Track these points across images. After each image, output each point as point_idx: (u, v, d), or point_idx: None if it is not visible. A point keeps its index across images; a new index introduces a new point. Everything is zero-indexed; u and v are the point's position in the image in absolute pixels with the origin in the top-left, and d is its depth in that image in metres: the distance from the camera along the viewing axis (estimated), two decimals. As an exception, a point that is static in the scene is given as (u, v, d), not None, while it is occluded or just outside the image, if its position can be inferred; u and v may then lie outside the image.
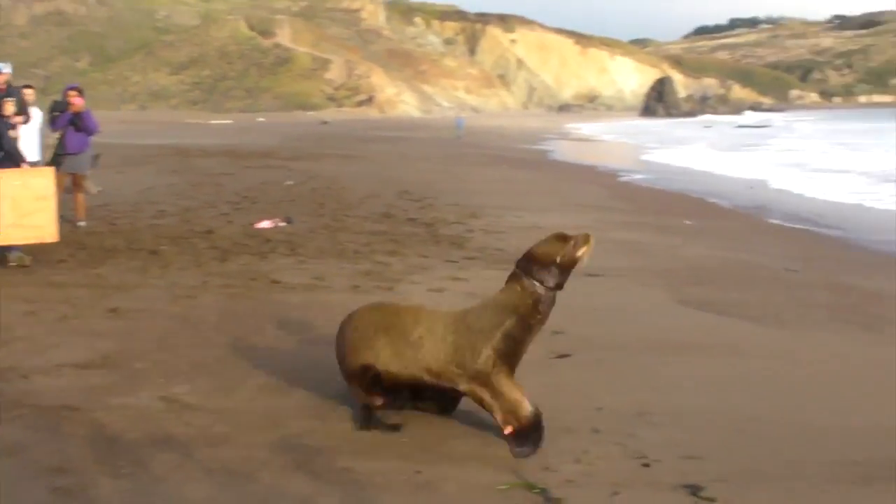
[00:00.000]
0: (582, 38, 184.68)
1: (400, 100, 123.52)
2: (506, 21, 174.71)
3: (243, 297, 10.35)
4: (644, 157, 43.50)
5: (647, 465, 5.83)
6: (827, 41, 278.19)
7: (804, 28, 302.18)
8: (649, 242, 15.79)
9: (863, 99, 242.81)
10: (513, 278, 6.15)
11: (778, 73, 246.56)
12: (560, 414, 6.57)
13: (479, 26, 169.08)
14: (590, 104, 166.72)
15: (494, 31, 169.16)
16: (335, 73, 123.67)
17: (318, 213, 17.74)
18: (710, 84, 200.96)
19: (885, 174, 33.91)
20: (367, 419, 6.34)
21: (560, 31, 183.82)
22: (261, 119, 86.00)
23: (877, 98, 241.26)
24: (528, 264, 6.09)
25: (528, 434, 5.95)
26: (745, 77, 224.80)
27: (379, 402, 6.34)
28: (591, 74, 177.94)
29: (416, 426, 6.38)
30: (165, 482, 5.40)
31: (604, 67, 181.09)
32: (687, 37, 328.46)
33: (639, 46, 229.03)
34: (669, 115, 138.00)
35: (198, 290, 10.63)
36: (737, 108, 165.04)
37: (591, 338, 8.90)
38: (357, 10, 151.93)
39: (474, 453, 5.95)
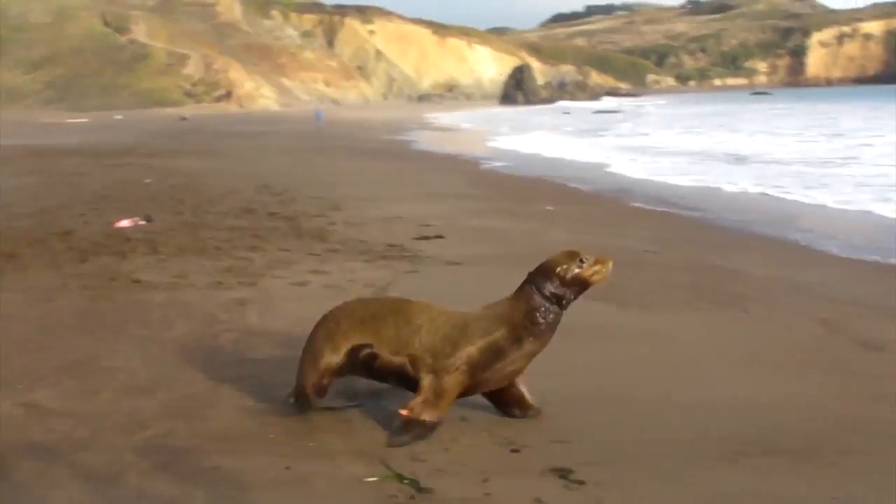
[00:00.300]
0: (440, 28, 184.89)
1: (259, 94, 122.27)
2: (364, 13, 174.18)
3: (104, 298, 10.14)
4: (501, 145, 43.77)
5: (516, 451, 5.86)
6: (681, 26, 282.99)
7: (659, 14, 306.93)
8: (510, 229, 15.90)
9: (717, 82, 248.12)
10: (522, 287, 6.13)
11: (634, 58, 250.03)
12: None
13: (336, 18, 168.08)
14: (449, 93, 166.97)
15: (353, 23, 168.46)
16: (193, 69, 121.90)
17: (177, 211, 17.49)
18: (568, 71, 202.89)
19: (735, 156, 34.79)
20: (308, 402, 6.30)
21: (418, 21, 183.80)
22: (118, 117, 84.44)
23: (730, 81, 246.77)
24: (535, 273, 6.09)
25: (415, 430, 5.92)
26: (603, 63, 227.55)
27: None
28: (449, 64, 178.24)
29: (284, 421, 6.33)
30: (29, 490, 5.27)
31: (463, 57, 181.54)
32: (544, 24, 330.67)
33: (497, 35, 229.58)
34: (528, 102, 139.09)
35: (57, 293, 10.38)
36: (595, 94, 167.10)
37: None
38: (213, 5, 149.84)
39: (343, 447, 5.91)
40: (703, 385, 7.39)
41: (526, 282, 6.10)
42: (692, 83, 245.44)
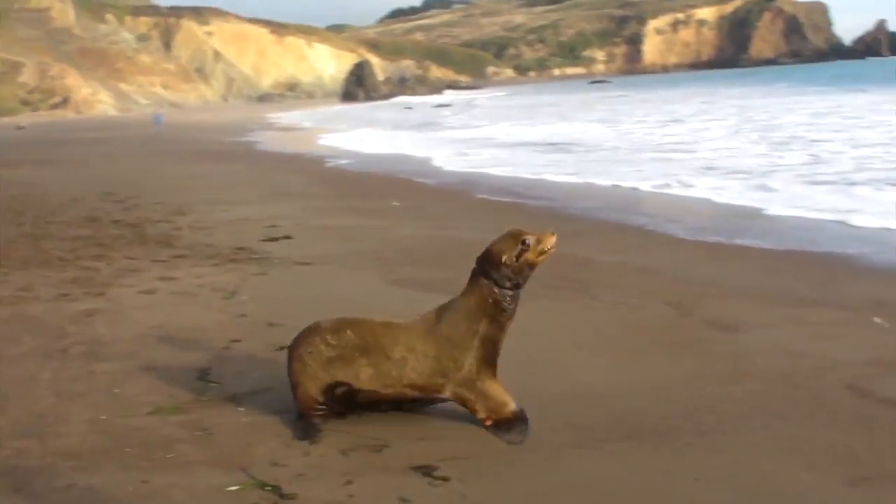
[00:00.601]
0: (279, 27, 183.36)
1: (97, 100, 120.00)
2: (200, 14, 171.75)
3: (-59, 317, 9.84)
4: (343, 143, 43.54)
5: (378, 451, 5.82)
6: (519, 18, 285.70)
7: (496, 6, 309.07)
8: (358, 226, 15.84)
9: (556, 72, 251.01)
10: (473, 278, 6.16)
11: (473, 51, 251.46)
12: (280, 406, 6.53)
13: (173, 20, 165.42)
14: (290, 92, 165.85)
15: (189, 25, 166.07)
16: (28, 76, 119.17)
17: (18, 222, 17.04)
18: (408, 65, 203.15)
19: (568, 144, 35.29)
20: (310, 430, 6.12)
21: (256, 20, 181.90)
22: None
23: (569, 70, 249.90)
24: (483, 264, 6.11)
25: (512, 425, 5.99)
26: (442, 57, 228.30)
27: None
28: (289, 63, 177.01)
29: (139, 433, 6.20)
30: None
31: (302, 55, 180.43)
32: (382, 20, 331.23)
33: (336, 32, 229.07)
34: (370, 98, 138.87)
35: None
36: (436, 88, 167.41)
37: (309, 327, 8.84)
38: (46, 10, 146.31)
39: (202, 457, 5.80)
40: (560, 374, 7.43)
41: (479, 274, 6.13)
42: (532, 74, 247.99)
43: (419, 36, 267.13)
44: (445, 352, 6.03)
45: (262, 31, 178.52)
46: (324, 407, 6.19)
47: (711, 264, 12.22)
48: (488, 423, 6.04)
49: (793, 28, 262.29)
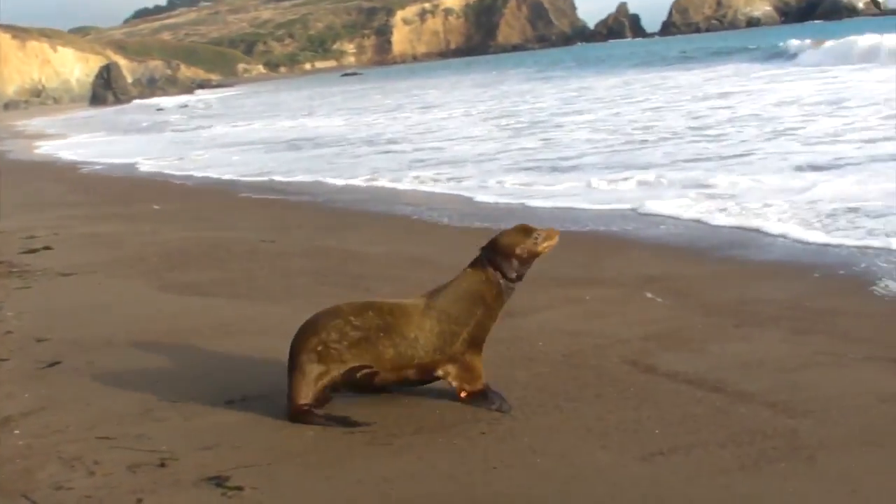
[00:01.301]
0: (20, 32, 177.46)
1: None
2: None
3: None
4: (92, 148, 42.48)
5: (164, 465, 5.57)
6: (267, 13, 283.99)
7: (244, 2, 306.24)
8: (120, 232, 15.37)
9: (308, 66, 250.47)
10: (477, 264, 6.41)
11: (222, 48, 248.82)
12: (58, 426, 6.25)
13: None
14: (36, 98, 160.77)
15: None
16: None
17: None
18: (157, 66, 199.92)
19: (307, 140, 35.24)
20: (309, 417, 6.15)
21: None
22: None
23: (320, 64, 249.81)
24: (492, 253, 6.37)
25: (486, 396, 6.27)
26: (191, 55, 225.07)
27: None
28: (33, 68, 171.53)
29: None
30: None
31: (46, 59, 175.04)
32: (128, 21, 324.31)
33: (80, 35, 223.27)
34: (119, 101, 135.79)
35: None
36: (187, 88, 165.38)
37: (79, 341, 8.41)
38: None
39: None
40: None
41: (487, 261, 6.39)
42: (283, 69, 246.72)
43: (167, 35, 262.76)
44: (445, 328, 6.25)
45: (3, 37, 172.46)
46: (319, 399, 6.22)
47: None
48: (463, 395, 6.30)
49: (538, 13, 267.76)
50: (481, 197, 17.20)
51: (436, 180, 20.26)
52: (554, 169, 20.34)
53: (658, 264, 10.85)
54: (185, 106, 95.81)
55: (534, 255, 6.38)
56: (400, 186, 20.01)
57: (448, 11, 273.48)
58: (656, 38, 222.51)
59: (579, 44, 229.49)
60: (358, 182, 21.21)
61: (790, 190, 14.62)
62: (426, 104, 54.28)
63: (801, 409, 5.98)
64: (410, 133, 34.54)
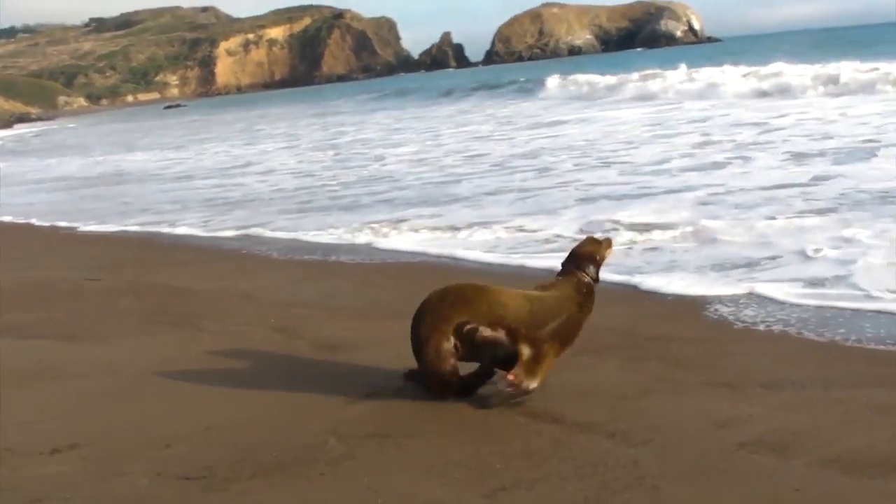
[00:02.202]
0: None
1: None
2: None
3: None
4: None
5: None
6: (87, 45, 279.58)
7: (63, 34, 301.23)
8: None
9: (130, 98, 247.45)
10: (567, 273, 7.15)
11: (42, 80, 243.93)
12: None
13: None
14: None
15: None
16: None
17: None
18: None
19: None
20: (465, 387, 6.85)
21: None
22: None
23: (143, 96, 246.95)
24: (578, 261, 7.17)
25: (520, 393, 6.56)
26: (9, 88, 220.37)
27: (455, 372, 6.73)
28: None
29: None
30: None
31: None
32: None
33: None
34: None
35: None
36: (5, 122, 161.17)
37: None
38: None
39: None
40: (171, 413, 7.08)
41: (574, 267, 7.16)
42: (105, 102, 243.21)
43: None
44: (539, 310, 6.75)
45: None
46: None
47: (309, 283, 12.16)
48: (510, 377, 6.50)
49: (362, 44, 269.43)
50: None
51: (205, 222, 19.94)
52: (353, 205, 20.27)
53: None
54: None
55: (603, 261, 7.31)
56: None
57: (272, 42, 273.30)
58: (480, 67, 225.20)
59: (401, 74, 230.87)
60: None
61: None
62: (250, 137, 53.89)
63: (641, 437, 5.97)
64: (218, 168, 34.18)
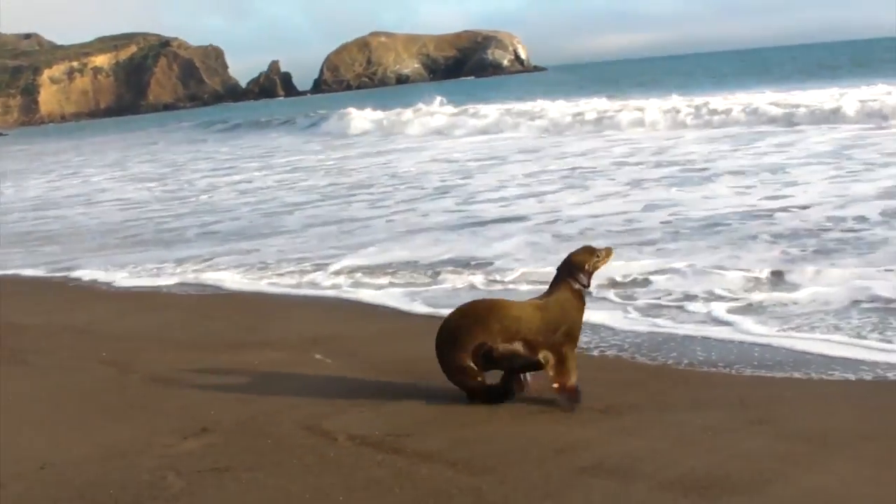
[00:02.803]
0: None
1: None
2: None
3: None
4: None
5: None
6: None
7: None
8: None
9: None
10: (562, 280, 7.57)
11: None
12: None
13: None
14: None
15: None
16: None
17: None
18: None
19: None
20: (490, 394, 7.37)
21: None
22: None
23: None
24: (571, 268, 7.57)
25: (572, 395, 7.26)
26: None
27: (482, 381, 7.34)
28: None
29: None
30: None
31: None
32: None
33: None
34: None
35: None
36: None
37: None
38: None
39: None
40: (5, 453, 6.78)
41: (567, 274, 7.56)
42: None
43: None
44: (551, 318, 7.34)
45: None
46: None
47: (141, 315, 11.91)
48: (556, 386, 7.28)
49: (189, 72, 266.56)
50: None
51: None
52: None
53: (324, 325, 10.75)
54: None
55: (595, 269, 7.67)
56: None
57: (97, 70, 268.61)
58: (308, 96, 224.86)
59: (229, 103, 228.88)
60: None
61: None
62: (73, 167, 52.72)
63: (481, 465, 5.98)
64: (36, 200, 33.29)
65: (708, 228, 14.52)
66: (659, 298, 10.62)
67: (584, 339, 9.10)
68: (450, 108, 54.90)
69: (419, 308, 11.21)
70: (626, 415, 6.90)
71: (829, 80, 59.43)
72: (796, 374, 7.77)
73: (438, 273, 12.88)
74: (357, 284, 12.78)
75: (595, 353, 8.79)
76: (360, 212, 20.62)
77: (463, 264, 13.32)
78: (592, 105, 45.43)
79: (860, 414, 6.72)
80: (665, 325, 9.59)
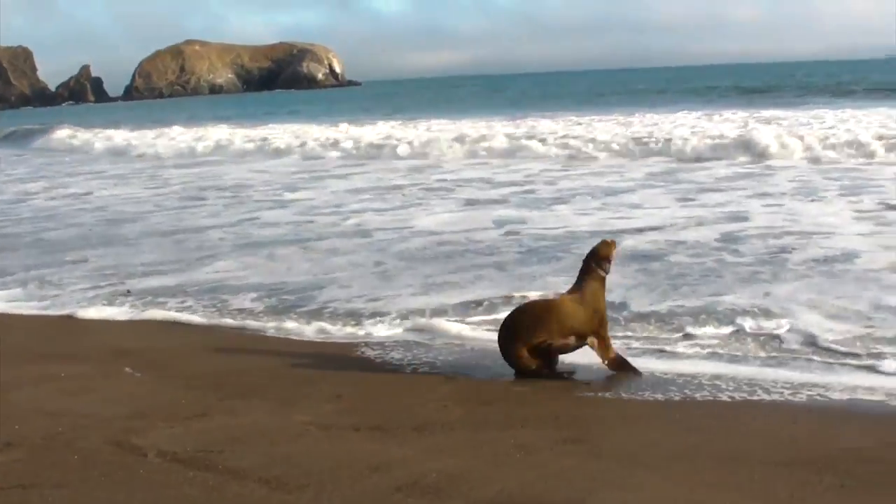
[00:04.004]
0: None
1: None
2: None
3: None
4: None
5: None
6: None
7: None
8: None
9: None
10: (589, 269, 8.61)
11: None
12: None
13: None
14: None
15: None
16: None
17: None
18: None
19: None
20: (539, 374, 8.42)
21: None
22: None
23: None
24: (597, 259, 8.61)
25: (621, 360, 8.53)
26: None
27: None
28: None
29: None
30: None
31: None
32: None
33: None
34: None
35: None
36: None
37: None
38: None
39: None
40: None
41: (594, 264, 8.59)
42: None
43: None
44: (591, 309, 8.47)
45: None
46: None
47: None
48: (606, 362, 8.49)
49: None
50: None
51: None
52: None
53: (132, 338, 10.51)
54: None
55: (613, 258, 8.73)
56: None
57: None
58: (119, 102, 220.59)
59: (37, 107, 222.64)
60: None
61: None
62: None
63: (295, 483, 5.90)
64: None
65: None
66: (482, 314, 10.75)
67: (395, 356, 9.18)
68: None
69: (228, 321, 11.07)
70: (440, 433, 6.91)
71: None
72: (608, 395, 7.92)
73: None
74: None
75: (408, 370, 8.78)
76: None
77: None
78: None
79: (671, 433, 6.89)
80: (481, 337, 9.74)
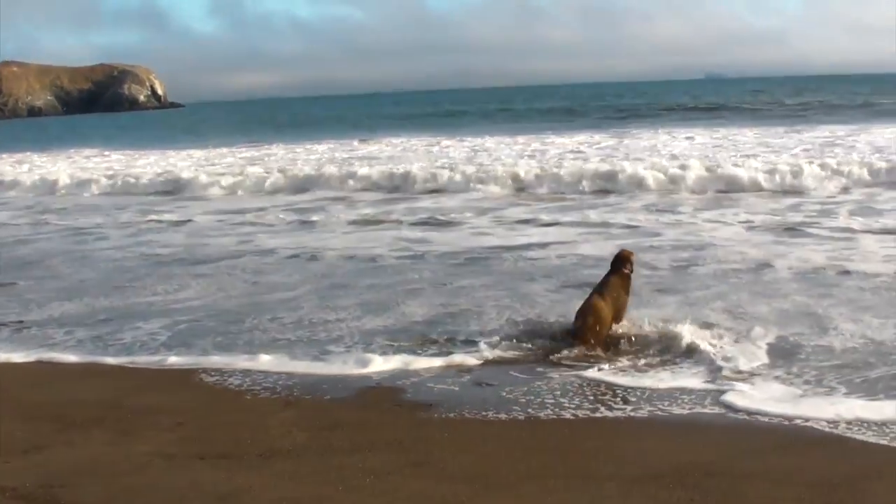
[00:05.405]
0: None
1: None
2: None
3: None
4: None
5: None
6: None
7: None
8: None
9: None
10: (616, 268, 10.35)
11: None
12: None
13: None
14: None
15: None
16: None
17: None
18: None
19: None
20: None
21: None
22: None
23: None
24: (623, 261, 10.35)
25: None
26: None
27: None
28: None
29: None
30: None
31: None
32: None
33: None
34: None
35: None
36: None
37: None
38: None
39: None
40: None
41: (620, 265, 10.32)
42: None
43: None
44: (624, 299, 10.34)
45: None
46: None
47: None
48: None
49: None
50: None
51: None
52: None
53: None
54: None
55: (634, 261, 10.51)
56: None
57: None
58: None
59: None
60: None
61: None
62: None
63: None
64: None
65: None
66: (320, 337, 10.75)
67: (235, 381, 9.07)
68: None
69: (70, 357, 10.71)
70: (286, 459, 6.87)
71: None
72: (451, 416, 7.94)
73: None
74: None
75: (248, 396, 8.69)
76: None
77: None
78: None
79: (518, 453, 6.94)
80: (317, 366, 9.65)
